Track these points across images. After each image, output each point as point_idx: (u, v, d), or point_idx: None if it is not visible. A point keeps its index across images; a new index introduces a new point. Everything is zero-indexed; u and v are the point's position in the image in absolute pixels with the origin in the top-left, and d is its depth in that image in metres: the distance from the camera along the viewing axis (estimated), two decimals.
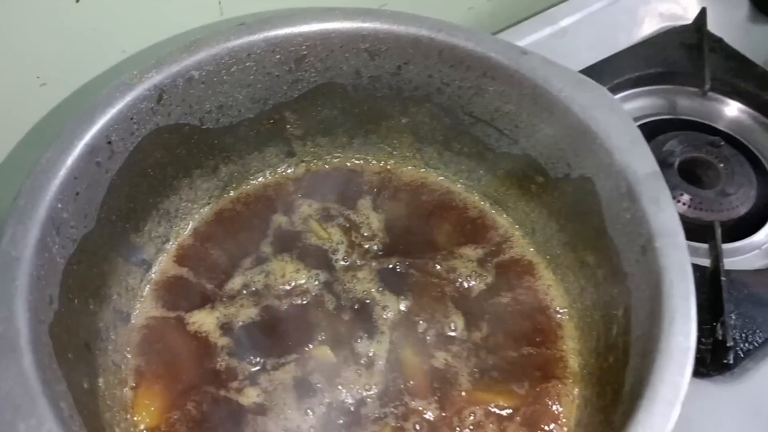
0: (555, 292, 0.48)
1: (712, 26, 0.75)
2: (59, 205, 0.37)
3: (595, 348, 0.43)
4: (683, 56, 0.74)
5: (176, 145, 0.46)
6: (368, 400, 0.44)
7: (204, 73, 0.44)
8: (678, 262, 0.34)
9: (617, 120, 0.40)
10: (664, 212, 0.36)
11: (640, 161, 0.38)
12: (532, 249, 0.50)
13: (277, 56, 0.45)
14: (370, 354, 0.46)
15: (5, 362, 0.31)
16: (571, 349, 0.46)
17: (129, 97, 0.41)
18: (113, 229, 0.43)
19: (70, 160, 0.38)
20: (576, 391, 0.44)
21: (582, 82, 0.41)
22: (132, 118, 0.41)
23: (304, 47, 0.45)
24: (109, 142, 0.40)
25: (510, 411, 0.44)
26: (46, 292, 0.35)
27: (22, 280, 0.33)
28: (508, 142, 0.47)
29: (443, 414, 0.44)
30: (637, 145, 0.38)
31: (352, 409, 0.44)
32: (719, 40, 0.75)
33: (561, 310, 0.47)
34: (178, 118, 0.45)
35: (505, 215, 0.52)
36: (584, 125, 0.40)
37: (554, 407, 0.43)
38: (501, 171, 0.50)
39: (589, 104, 0.40)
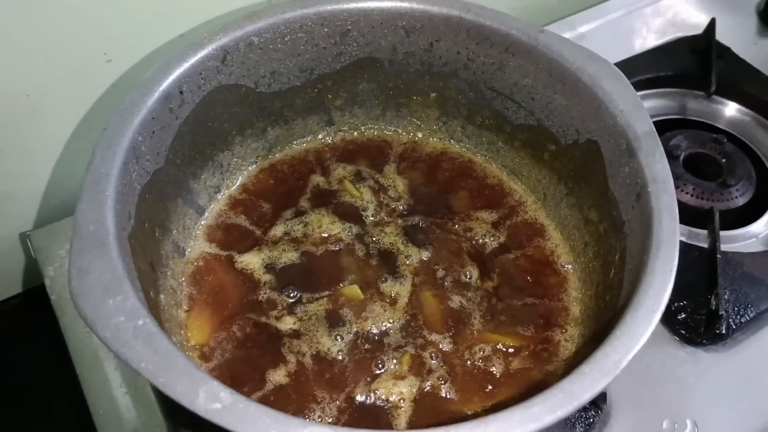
0: (561, 250, 0.54)
1: (722, 37, 0.81)
2: (139, 138, 0.43)
3: (594, 293, 0.49)
4: (692, 62, 0.80)
5: (233, 104, 0.52)
6: (391, 331, 0.50)
7: (262, 40, 0.50)
8: (666, 203, 0.40)
9: (621, 88, 0.45)
10: (658, 164, 0.42)
11: (639, 122, 0.44)
12: (543, 213, 0.56)
13: (325, 29, 0.52)
14: (393, 294, 0.51)
15: (96, 252, 0.37)
16: (573, 298, 0.51)
17: (199, 55, 0.47)
18: (177, 171, 0.50)
19: (150, 102, 0.44)
20: (576, 332, 0.49)
21: (591, 57, 0.47)
22: (200, 74, 0.48)
23: (349, 22, 0.52)
24: (181, 92, 0.47)
25: (514, 349, 0.49)
26: (126, 208, 0.41)
27: (110, 192, 0.40)
28: (525, 114, 0.53)
29: (456, 347, 0.49)
30: (637, 109, 0.44)
31: (376, 338, 0.49)
32: (727, 49, 0.80)
33: (566, 266, 0.53)
34: (237, 79, 0.51)
35: (520, 183, 0.57)
36: (592, 93, 0.46)
37: (556, 348, 0.49)
38: (518, 142, 0.56)
39: (597, 74, 0.46)
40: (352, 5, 0.51)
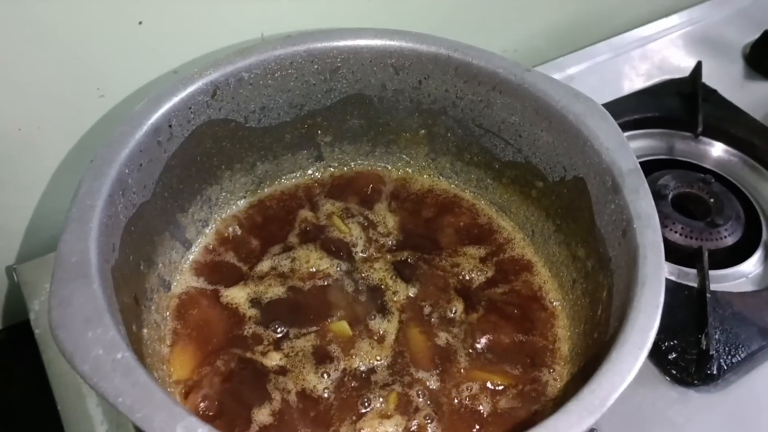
0: (550, 287, 0.54)
1: (709, 80, 0.83)
2: (126, 171, 0.43)
3: (582, 331, 0.48)
4: (679, 104, 0.81)
5: (223, 138, 0.53)
6: (378, 369, 0.49)
7: (252, 76, 0.51)
8: (651, 239, 0.40)
9: (606, 126, 0.46)
10: (642, 200, 0.42)
11: (624, 159, 0.44)
12: (531, 249, 0.56)
13: (315, 66, 0.53)
14: (381, 331, 0.51)
15: (78, 283, 0.37)
16: (562, 335, 0.51)
17: (189, 89, 0.48)
18: (165, 204, 0.50)
19: (138, 135, 0.44)
20: (565, 370, 0.49)
21: (577, 95, 0.48)
22: (190, 108, 0.48)
23: (339, 60, 0.53)
24: (170, 126, 0.47)
25: (502, 387, 0.48)
26: (110, 240, 0.41)
27: (95, 224, 0.40)
28: (513, 151, 0.54)
29: (443, 385, 0.48)
30: (622, 146, 0.45)
31: (363, 375, 0.49)
32: (713, 91, 0.82)
33: (554, 302, 0.53)
34: (227, 113, 0.52)
35: (508, 219, 0.58)
36: (578, 131, 0.47)
37: (543, 387, 0.48)
38: (506, 179, 0.56)
39: (582, 113, 0.47)
40: (342, 43, 0.52)
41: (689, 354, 0.58)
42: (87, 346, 0.34)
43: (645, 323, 0.36)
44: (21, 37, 0.53)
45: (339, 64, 0.53)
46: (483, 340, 0.51)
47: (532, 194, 0.54)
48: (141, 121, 0.45)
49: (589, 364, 0.44)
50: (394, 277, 0.54)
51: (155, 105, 0.46)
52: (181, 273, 0.53)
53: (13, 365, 0.66)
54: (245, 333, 0.50)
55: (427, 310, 0.52)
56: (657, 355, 0.59)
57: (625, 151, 0.44)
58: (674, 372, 0.58)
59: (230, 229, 0.56)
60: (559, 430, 0.32)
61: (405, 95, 0.55)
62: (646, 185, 0.43)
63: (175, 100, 0.47)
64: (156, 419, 0.32)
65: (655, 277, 0.38)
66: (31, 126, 0.60)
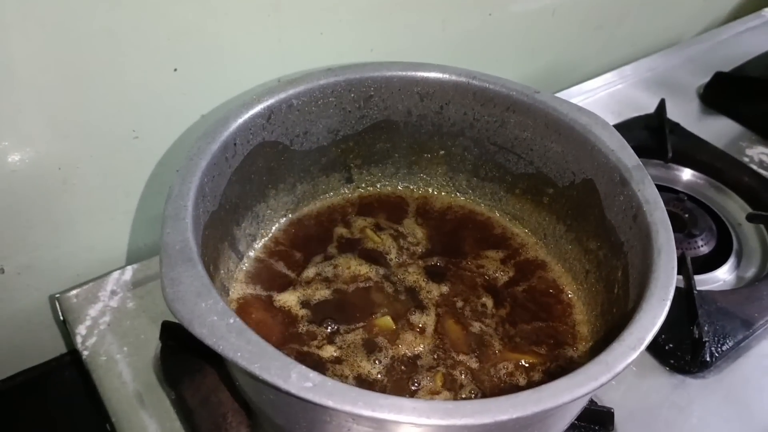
0: (564, 281, 0.61)
1: (670, 116, 0.94)
2: (205, 179, 0.49)
3: (600, 312, 0.55)
4: (648, 136, 0.92)
5: (272, 159, 0.59)
6: (422, 354, 0.55)
7: (300, 103, 0.58)
8: (660, 218, 0.48)
9: (608, 133, 0.55)
10: (648, 189, 0.50)
11: (628, 158, 0.53)
12: (544, 251, 0.63)
13: (352, 95, 0.60)
14: (421, 324, 0.57)
15: (185, 266, 0.42)
16: (580, 321, 0.58)
17: (251, 113, 0.55)
18: (226, 216, 0.55)
19: (213, 149, 0.51)
20: (588, 346, 0.55)
21: (581, 110, 0.57)
22: (250, 129, 0.55)
23: (372, 89, 0.61)
24: (235, 144, 0.54)
25: (533, 364, 0.55)
26: (197, 234, 0.47)
27: (189, 220, 0.45)
28: (525, 164, 0.62)
29: (482, 365, 0.54)
30: (624, 148, 0.53)
31: (410, 360, 0.54)
32: (677, 124, 0.93)
33: (570, 294, 0.60)
34: (277, 136, 0.58)
35: (521, 227, 0.65)
36: (585, 138, 0.55)
37: (569, 362, 0.55)
38: (518, 190, 0.64)
39: (587, 123, 0.56)
40: (376, 74, 0.60)
41: (684, 344, 0.65)
42: (202, 314, 0.39)
43: (666, 281, 0.43)
44: (66, 81, 0.58)
45: (372, 93, 0.61)
46: (511, 329, 0.57)
47: (544, 201, 0.62)
48: (215, 138, 0.51)
49: (611, 332, 0.51)
50: (426, 279, 0.61)
51: (224, 125, 0.53)
52: (236, 281, 0.58)
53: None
54: (300, 331, 0.56)
55: (459, 304, 0.59)
56: (656, 349, 0.66)
57: (628, 151, 0.53)
58: (673, 362, 0.65)
59: (275, 243, 0.62)
60: (609, 362, 0.39)
61: (428, 119, 0.63)
62: (649, 177, 0.51)
63: (239, 121, 0.54)
64: (272, 368, 0.37)
65: (668, 246, 0.46)
66: (70, 165, 0.64)
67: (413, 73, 0.61)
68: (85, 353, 0.63)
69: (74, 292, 0.69)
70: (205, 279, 0.42)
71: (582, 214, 0.58)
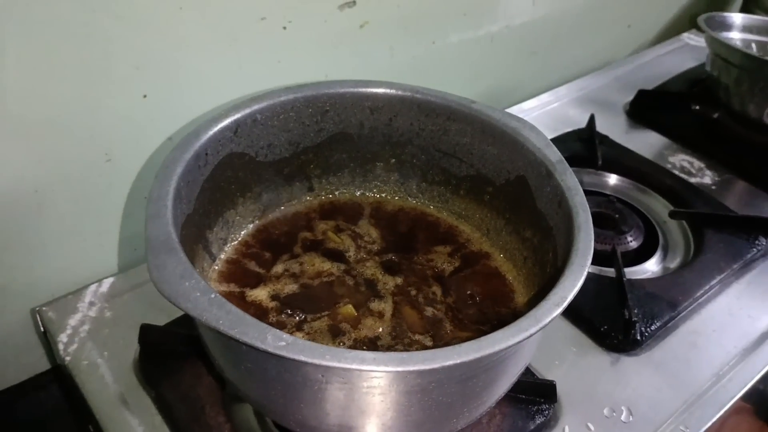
0: (505, 268, 0.68)
1: (600, 130, 1.04)
2: (181, 183, 0.55)
3: (537, 292, 0.63)
4: (581, 147, 1.01)
5: (239, 169, 0.66)
6: (382, 336, 0.61)
7: (264, 117, 0.65)
8: (580, 201, 0.56)
9: (535, 134, 0.63)
10: (569, 178, 0.58)
11: (552, 154, 0.61)
12: (487, 243, 0.71)
13: (310, 110, 0.67)
14: (380, 310, 0.63)
15: (168, 254, 0.47)
16: (520, 302, 0.65)
17: (219, 125, 0.61)
18: (200, 220, 0.61)
19: (187, 157, 0.57)
20: None
21: (511, 116, 0.65)
22: (219, 141, 0.61)
23: (328, 104, 0.68)
24: (206, 154, 0.60)
25: None
26: (177, 231, 0.52)
27: (169, 217, 0.51)
28: (466, 166, 0.70)
29: (436, 343, 0.61)
30: (549, 146, 0.62)
31: (371, 341, 0.60)
32: (605, 136, 1.03)
33: (510, 279, 0.67)
34: (244, 148, 0.65)
35: (467, 224, 0.73)
36: (515, 139, 0.63)
37: None
38: (462, 191, 0.72)
39: (516, 127, 0.64)
40: (331, 90, 0.67)
41: (617, 326, 0.73)
42: (186, 292, 0.45)
43: (584, 251, 0.51)
44: (40, 107, 0.62)
45: (328, 108, 0.68)
46: (459, 312, 0.64)
47: (485, 199, 0.70)
48: (188, 147, 0.57)
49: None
50: (383, 272, 0.67)
51: (196, 137, 0.59)
52: (211, 280, 0.64)
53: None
54: (271, 321, 0.61)
55: (413, 293, 0.65)
56: (592, 331, 0.74)
57: (552, 149, 0.61)
58: (608, 341, 0.73)
59: (245, 245, 0.68)
60: (537, 317, 0.46)
61: (379, 131, 0.71)
62: (570, 169, 0.59)
63: (210, 133, 0.60)
64: (249, 332, 0.43)
65: (587, 224, 0.53)
66: (46, 189, 0.68)
67: (363, 90, 0.68)
68: (67, 359, 0.67)
69: (54, 304, 0.73)
70: (187, 264, 0.47)
71: (518, 207, 0.66)
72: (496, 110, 0.66)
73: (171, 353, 0.66)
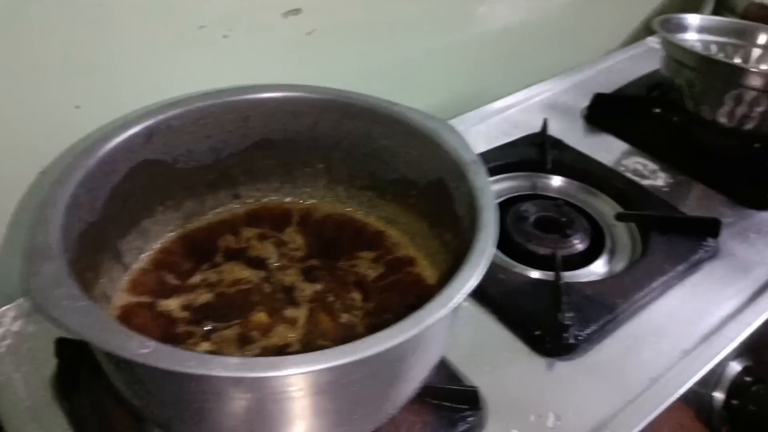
0: (428, 272, 0.66)
1: (558, 134, 1.02)
2: (81, 190, 0.54)
3: None
4: (534, 152, 1.00)
5: (156, 177, 0.64)
6: (293, 342, 0.59)
7: (181, 124, 0.63)
8: (486, 201, 0.54)
9: (454, 136, 0.61)
10: (481, 178, 0.56)
11: (467, 155, 0.59)
12: (413, 248, 0.69)
13: (230, 115, 0.66)
14: (294, 317, 0.62)
15: (44, 262, 0.46)
16: None
17: (131, 131, 0.59)
18: (111, 228, 0.60)
19: (91, 163, 0.55)
20: None
21: (432, 118, 0.63)
22: (130, 148, 0.60)
23: (249, 109, 0.67)
24: (114, 161, 0.59)
25: None
26: (66, 243, 0.51)
27: (54, 224, 0.50)
28: (391, 170, 0.68)
29: None
30: (465, 147, 0.60)
31: (280, 348, 0.59)
32: (559, 140, 1.01)
33: (432, 283, 0.65)
34: (159, 155, 0.64)
35: (394, 229, 0.71)
36: (434, 142, 0.62)
37: None
38: (389, 195, 0.70)
39: (436, 128, 0.62)
40: (251, 96, 0.66)
41: (551, 331, 0.71)
42: (56, 299, 0.43)
43: (481, 251, 0.49)
44: None
45: (249, 113, 0.67)
46: (376, 318, 0.62)
47: (410, 202, 0.68)
48: (92, 153, 0.56)
49: None
50: (302, 279, 0.66)
51: (102, 142, 0.58)
52: (120, 290, 0.62)
53: None
54: (178, 331, 0.60)
55: (330, 299, 0.64)
56: (527, 336, 0.72)
57: (468, 150, 0.60)
58: (541, 346, 0.71)
59: (163, 254, 0.67)
60: (420, 318, 0.44)
61: (303, 135, 0.69)
62: (484, 169, 0.58)
63: (119, 139, 0.58)
64: (112, 340, 0.42)
65: (488, 225, 0.51)
66: None
67: (285, 94, 0.67)
68: None
69: None
70: (62, 270, 0.46)
71: (439, 211, 0.64)
72: (416, 111, 0.64)
73: (87, 367, 0.65)
